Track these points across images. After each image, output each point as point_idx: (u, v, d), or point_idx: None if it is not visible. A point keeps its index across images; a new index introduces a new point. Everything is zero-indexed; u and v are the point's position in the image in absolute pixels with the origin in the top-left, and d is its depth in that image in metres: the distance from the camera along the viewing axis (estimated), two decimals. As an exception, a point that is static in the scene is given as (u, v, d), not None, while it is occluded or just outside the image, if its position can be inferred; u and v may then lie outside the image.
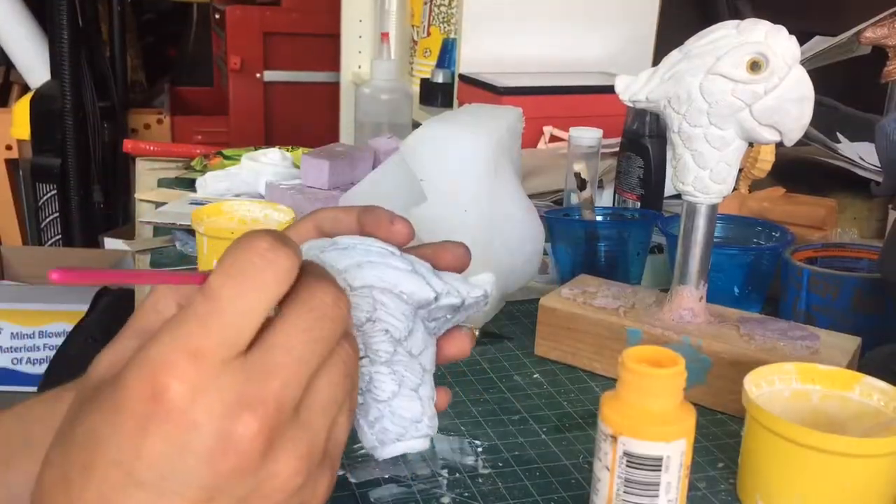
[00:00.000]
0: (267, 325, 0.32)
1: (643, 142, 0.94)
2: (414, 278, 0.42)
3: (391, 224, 0.44)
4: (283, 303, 0.33)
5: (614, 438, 0.46)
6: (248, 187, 1.12)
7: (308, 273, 0.34)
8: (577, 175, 0.87)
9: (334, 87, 2.19)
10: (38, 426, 0.42)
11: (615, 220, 0.93)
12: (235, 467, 0.30)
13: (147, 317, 0.36)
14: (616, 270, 0.84)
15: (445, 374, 0.70)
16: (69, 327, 2.07)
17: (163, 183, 1.23)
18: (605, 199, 1.06)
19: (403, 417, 0.42)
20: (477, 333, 0.76)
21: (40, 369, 2.14)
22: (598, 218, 0.89)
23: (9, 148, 2.65)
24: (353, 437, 0.61)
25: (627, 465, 0.46)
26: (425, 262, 0.44)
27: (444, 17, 1.72)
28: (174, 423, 0.29)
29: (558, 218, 0.89)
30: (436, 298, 0.42)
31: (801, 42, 0.63)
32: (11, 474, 0.41)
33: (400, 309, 0.41)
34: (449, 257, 0.46)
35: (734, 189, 0.68)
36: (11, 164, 2.67)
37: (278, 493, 0.32)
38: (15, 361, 2.18)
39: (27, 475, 0.40)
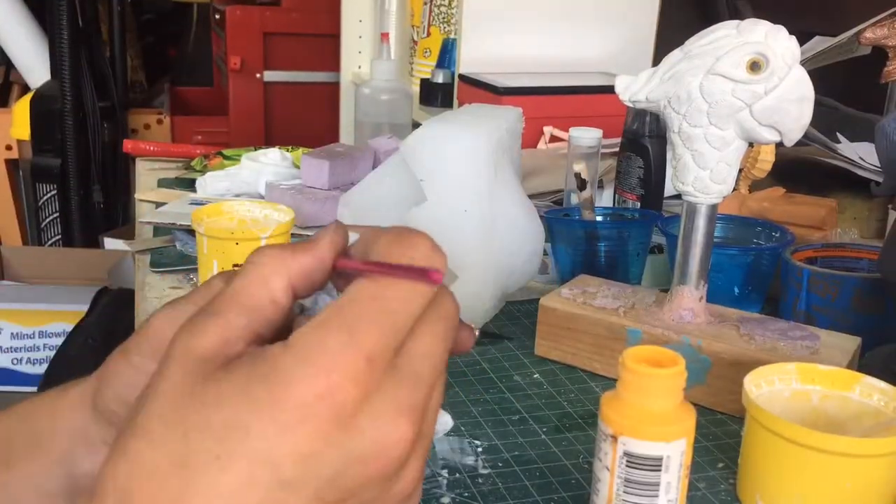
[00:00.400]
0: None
1: (643, 142, 0.94)
2: None
3: None
4: None
5: (614, 438, 0.46)
6: (248, 187, 1.12)
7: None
8: (578, 175, 0.87)
9: (334, 87, 2.19)
10: (44, 423, 0.41)
11: (615, 220, 0.93)
12: (380, 473, 0.30)
13: (256, 292, 0.32)
14: (616, 270, 0.84)
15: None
16: (69, 327, 2.07)
17: (163, 183, 1.23)
18: (605, 199, 1.06)
19: None
20: (477, 334, 0.76)
21: (40, 369, 2.14)
22: (598, 218, 0.89)
23: (9, 148, 2.65)
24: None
25: (627, 465, 0.46)
26: None
27: (444, 18, 1.72)
28: (340, 426, 0.29)
29: (558, 218, 0.89)
30: None
31: (801, 42, 0.63)
32: (12, 474, 0.41)
33: None
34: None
35: (734, 189, 0.68)
36: (11, 164, 2.67)
37: (397, 497, 0.31)
38: (15, 361, 2.18)
39: (29, 476, 0.39)
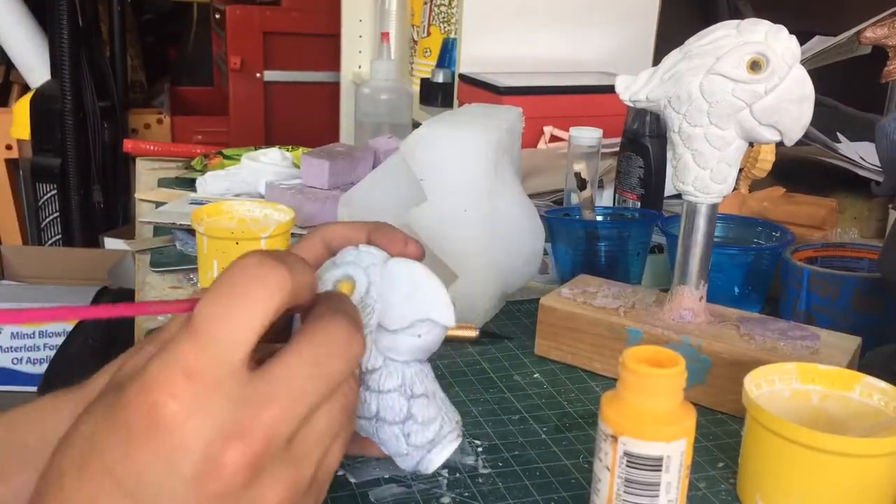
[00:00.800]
0: (277, 350, 0.33)
1: (643, 141, 0.94)
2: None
3: (405, 246, 0.44)
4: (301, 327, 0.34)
5: (614, 438, 0.46)
6: (248, 187, 1.12)
7: (324, 303, 0.34)
8: (578, 175, 0.87)
9: (334, 87, 2.19)
10: (32, 437, 0.41)
11: (615, 219, 0.93)
12: (219, 492, 0.30)
13: (174, 329, 0.36)
14: (616, 270, 0.84)
15: (446, 373, 0.71)
16: (69, 327, 2.07)
17: (163, 183, 1.23)
18: (606, 199, 1.06)
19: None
20: (477, 333, 0.76)
21: (40, 369, 2.14)
22: (599, 218, 0.89)
23: (9, 148, 2.65)
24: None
25: (628, 465, 0.46)
26: None
27: (444, 17, 1.72)
28: (164, 441, 0.30)
29: (558, 218, 0.89)
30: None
31: (801, 42, 0.63)
32: (4, 486, 0.41)
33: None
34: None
35: (734, 189, 0.68)
36: (11, 164, 2.67)
37: None
38: (15, 361, 2.18)
39: (20, 487, 0.40)
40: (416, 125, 0.96)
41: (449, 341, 0.76)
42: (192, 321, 0.31)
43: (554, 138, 1.30)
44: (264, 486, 0.31)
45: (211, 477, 0.30)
